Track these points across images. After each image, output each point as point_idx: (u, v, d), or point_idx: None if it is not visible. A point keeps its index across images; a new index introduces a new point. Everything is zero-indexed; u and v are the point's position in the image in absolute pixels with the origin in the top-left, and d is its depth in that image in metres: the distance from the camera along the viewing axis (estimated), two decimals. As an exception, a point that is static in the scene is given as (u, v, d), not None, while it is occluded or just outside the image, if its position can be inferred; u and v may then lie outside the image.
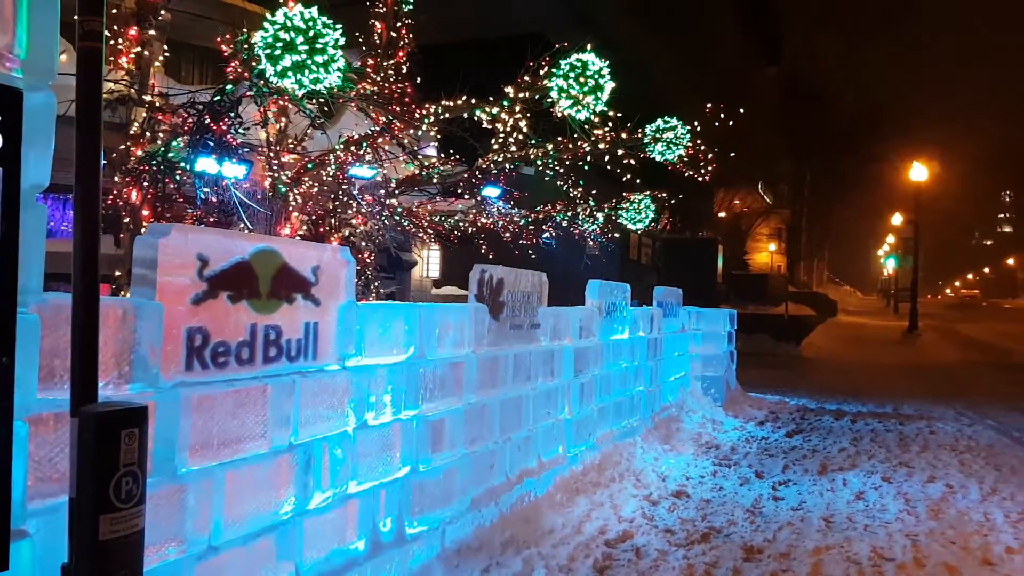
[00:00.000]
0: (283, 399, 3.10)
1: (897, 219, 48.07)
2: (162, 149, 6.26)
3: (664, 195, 10.83)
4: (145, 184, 6.35)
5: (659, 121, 9.12)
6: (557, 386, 5.82)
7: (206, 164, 6.06)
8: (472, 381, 4.58)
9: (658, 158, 9.19)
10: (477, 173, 9.60)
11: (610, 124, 8.37)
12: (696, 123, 9.55)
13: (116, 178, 6.63)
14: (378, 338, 3.73)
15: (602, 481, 5.87)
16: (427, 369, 4.13)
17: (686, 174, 9.74)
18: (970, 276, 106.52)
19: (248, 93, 6.33)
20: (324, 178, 8.21)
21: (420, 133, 8.55)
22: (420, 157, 9.61)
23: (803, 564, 4.47)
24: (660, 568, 4.35)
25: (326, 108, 7.55)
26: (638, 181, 9.53)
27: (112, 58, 6.93)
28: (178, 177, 6.69)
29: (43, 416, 2.07)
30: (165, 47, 7.78)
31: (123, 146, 6.55)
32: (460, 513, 4.35)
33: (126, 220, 6.69)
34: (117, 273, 6.80)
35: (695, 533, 5.02)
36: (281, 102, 7.34)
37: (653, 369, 8.40)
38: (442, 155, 10.16)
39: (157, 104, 6.75)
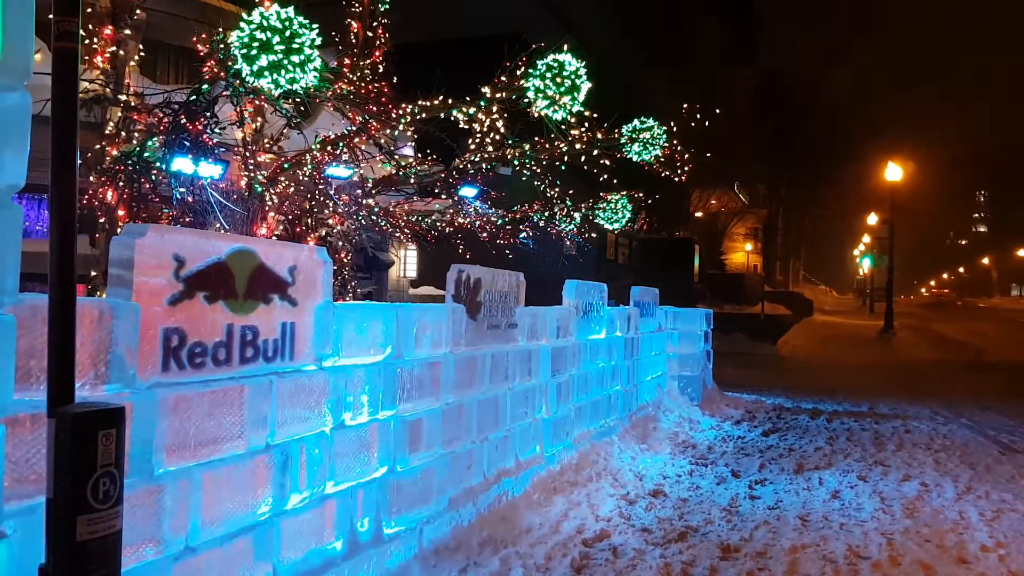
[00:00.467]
0: (260, 400, 3.11)
1: (872, 219, 48.85)
2: (137, 149, 6.21)
3: (641, 195, 10.93)
4: (120, 184, 6.30)
5: (635, 121, 9.22)
6: (535, 386, 5.86)
7: (182, 164, 6.02)
8: (450, 381, 4.60)
9: (635, 158, 9.29)
10: (454, 173, 9.64)
11: (587, 124, 8.45)
12: (672, 123, 9.67)
13: (91, 178, 6.57)
14: (355, 338, 3.74)
15: (580, 480, 5.92)
16: (404, 369, 4.14)
17: (663, 174, 9.85)
18: (945, 276, 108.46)
19: (224, 93, 6.29)
20: (300, 178, 8.20)
21: (397, 133, 8.57)
22: (397, 157, 9.62)
23: (780, 563, 4.54)
24: (637, 567, 4.41)
25: (302, 108, 7.52)
26: (615, 181, 9.63)
27: (87, 57, 6.86)
28: (154, 177, 6.64)
29: (19, 417, 2.07)
30: (140, 46, 7.71)
31: (98, 146, 6.49)
32: (438, 513, 4.38)
33: (101, 220, 6.62)
34: (93, 273, 6.73)
35: (672, 532, 5.08)
36: (257, 102, 7.32)
37: (630, 368, 8.48)
38: (419, 155, 10.17)
39: (132, 104, 6.70)
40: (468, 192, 10.33)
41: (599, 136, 8.63)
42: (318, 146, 7.62)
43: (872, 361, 21.22)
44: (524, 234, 10.01)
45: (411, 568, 3.87)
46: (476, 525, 4.58)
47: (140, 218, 6.45)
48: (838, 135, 46.53)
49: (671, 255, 31.07)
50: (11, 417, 2.02)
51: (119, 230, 5.76)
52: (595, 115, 8.37)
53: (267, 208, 7.88)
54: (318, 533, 3.42)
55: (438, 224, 10.65)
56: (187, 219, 6.82)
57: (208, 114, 6.21)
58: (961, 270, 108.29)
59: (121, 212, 6.40)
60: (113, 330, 2.45)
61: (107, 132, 6.80)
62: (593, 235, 11.09)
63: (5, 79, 1.94)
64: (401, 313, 4.16)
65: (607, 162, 8.93)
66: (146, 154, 6.35)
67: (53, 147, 1.90)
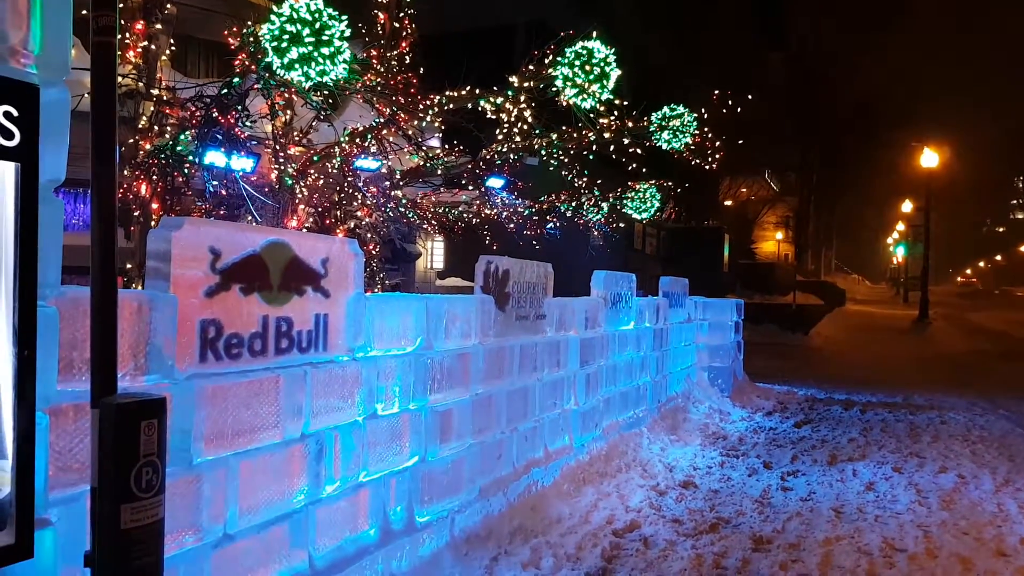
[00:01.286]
0: (295, 390, 3.14)
1: (907, 206, 47.78)
2: (170, 143, 6.30)
3: (670, 184, 10.80)
4: (154, 178, 6.40)
5: (665, 109, 9.11)
6: (563, 377, 5.85)
7: (214, 157, 6.09)
8: (479, 372, 4.61)
9: (664, 146, 9.19)
10: (481, 164, 9.63)
11: (616, 112, 8.36)
12: (703, 110, 9.53)
13: (126, 172, 6.67)
14: (387, 329, 3.76)
15: (609, 471, 5.91)
16: (435, 360, 4.16)
17: (693, 162, 9.74)
18: (981, 264, 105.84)
19: (255, 86, 6.35)
20: (329, 170, 8.25)
21: (424, 124, 8.56)
22: (424, 148, 9.64)
23: (813, 554, 4.49)
24: (669, 558, 4.38)
25: (331, 100, 7.55)
26: (643, 170, 9.53)
27: (119, 52, 6.95)
28: (186, 170, 6.73)
29: (63, 407, 2.12)
30: (171, 40, 7.80)
31: (132, 140, 6.59)
32: (468, 502, 4.40)
33: (136, 213, 6.74)
34: (128, 266, 6.86)
35: (703, 523, 5.04)
36: (287, 95, 7.37)
37: (659, 359, 8.42)
38: (445, 146, 10.16)
39: (164, 98, 6.78)
40: (495, 183, 10.31)
41: (628, 124, 8.54)
42: (347, 138, 7.65)
43: (906, 351, 20.82)
44: (551, 225, 9.97)
45: (443, 556, 3.89)
46: (506, 515, 4.59)
47: (174, 211, 6.55)
48: (871, 121, 45.49)
49: (700, 245, 30.76)
50: (55, 407, 2.06)
51: (153, 223, 5.86)
52: (624, 103, 8.28)
53: (297, 201, 7.96)
54: (352, 521, 3.45)
55: (465, 215, 10.66)
56: (220, 212, 6.91)
57: (239, 107, 6.27)
58: (998, 258, 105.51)
59: (155, 205, 6.50)
60: (152, 322, 2.49)
61: (140, 126, 6.90)
62: (621, 225, 11.00)
63: (44, 74, 1.97)
64: (431, 304, 4.18)
65: (638, 150, 8.83)
66: (179, 148, 6.44)
67: (93, 141, 1.93)
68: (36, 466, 1.67)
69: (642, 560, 4.34)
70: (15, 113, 1.67)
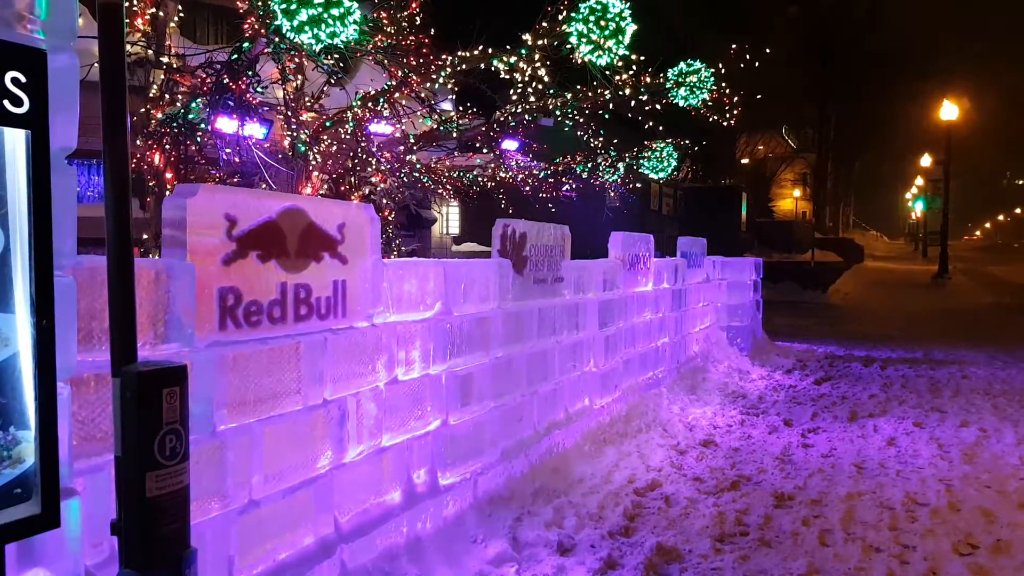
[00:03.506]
0: (315, 356, 3.14)
1: (926, 161, 46.77)
2: (182, 111, 6.24)
3: (687, 142, 10.60)
4: (167, 147, 6.36)
5: (681, 65, 8.89)
6: (582, 339, 5.83)
7: (226, 124, 6.03)
8: (498, 336, 4.60)
9: (681, 103, 8.99)
10: (495, 126, 9.49)
11: (633, 68, 8.16)
12: (720, 66, 9.29)
13: (138, 142, 6.64)
14: (405, 295, 3.74)
15: (629, 432, 5.91)
16: (454, 324, 4.14)
17: (710, 119, 9.54)
18: (1000, 218, 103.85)
19: (265, 50, 6.24)
20: (343, 136, 8.16)
21: (437, 86, 8.41)
22: (438, 112, 9.50)
23: (835, 510, 4.49)
24: (690, 515, 4.40)
25: (342, 64, 7.43)
26: (660, 128, 9.35)
27: (127, 20, 6.86)
28: (199, 139, 6.68)
29: (84, 377, 2.11)
30: (179, 7, 7.68)
31: (143, 109, 6.54)
32: (491, 464, 4.42)
33: (151, 183, 6.72)
34: (144, 237, 6.87)
35: (724, 481, 5.05)
36: (298, 59, 7.26)
37: (678, 320, 8.37)
38: (459, 109, 10.01)
39: (175, 65, 6.70)
40: (510, 145, 10.18)
41: (645, 81, 8.34)
42: (359, 103, 7.55)
43: (926, 307, 20.58)
44: (567, 186, 9.84)
45: (467, 518, 3.93)
46: (528, 476, 4.62)
47: (188, 180, 6.53)
48: (889, 74, 44.29)
49: (717, 204, 30.37)
50: (76, 378, 2.06)
51: (168, 193, 5.83)
52: (641, 58, 8.07)
53: (311, 167, 7.90)
54: (376, 485, 3.48)
55: (479, 179, 10.55)
56: (235, 181, 6.88)
57: (250, 73, 6.18)
58: (1018, 211, 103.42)
59: (169, 175, 6.48)
60: (170, 290, 2.47)
61: (151, 95, 6.83)
62: (638, 185, 10.85)
63: (51, 40, 1.92)
64: (448, 269, 4.15)
65: (657, 106, 8.64)
66: (190, 116, 6.38)
67: (104, 107, 1.88)
68: (59, 436, 1.67)
69: (664, 518, 4.35)
70: (23, 79, 1.62)
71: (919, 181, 55.39)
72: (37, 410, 1.64)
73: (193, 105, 6.53)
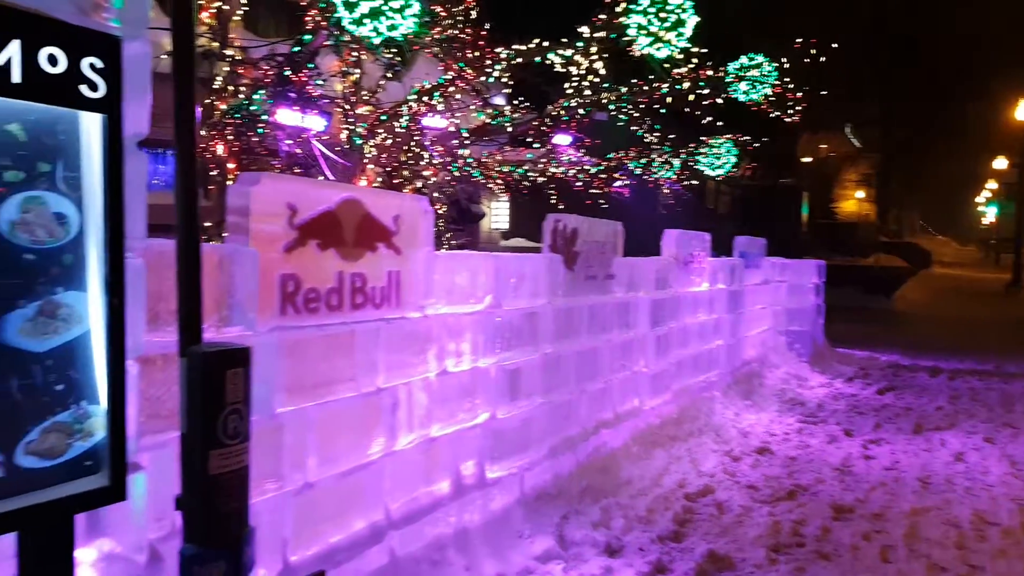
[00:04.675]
0: (369, 344, 3.18)
1: (1000, 163, 44.65)
2: (245, 103, 6.40)
3: (747, 139, 10.32)
4: (230, 137, 6.52)
5: (743, 58, 8.67)
6: (633, 338, 5.76)
7: (287, 116, 6.16)
8: (548, 332, 4.58)
9: (741, 98, 8.78)
10: (547, 120, 9.44)
11: (695, 61, 7.99)
12: (783, 60, 9.01)
13: (202, 132, 6.83)
14: (456, 287, 3.76)
15: (680, 435, 5.81)
16: (503, 318, 4.14)
17: (771, 115, 9.28)
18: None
19: (326, 43, 6.35)
20: (397, 129, 8.24)
21: (491, 80, 8.39)
22: (491, 106, 9.50)
23: (898, 525, 4.32)
24: (744, 523, 4.30)
25: (400, 57, 7.49)
26: (718, 124, 9.14)
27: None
28: (260, 130, 6.83)
29: (151, 357, 2.18)
30: (242, 0, 7.86)
31: (207, 100, 6.72)
32: (538, 460, 4.41)
33: (213, 172, 6.90)
34: (207, 224, 7.06)
35: (780, 490, 4.92)
36: (357, 52, 7.34)
37: (734, 322, 8.19)
38: (514, 103, 9.98)
39: (238, 58, 6.87)
40: (562, 140, 10.11)
41: (704, 75, 8.17)
42: (415, 96, 7.61)
43: (998, 317, 19.65)
44: (620, 183, 9.72)
45: (514, 512, 3.92)
46: (575, 474, 4.59)
47: (249, 170, 6.68)
48: (961, 71, 42.34)
49: (777, 203, 29.61)
50: (143, 356, 2.13)
51: (229, 182, 5.99)
52: (703, 50, 7.89)
53: (366, 161, 8.00)
54: (425, 474, 3.50)
55: (530, 174, 10.52)
56: (294, 172, 7.02)
57: (311, 65, 6.29)
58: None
59: (231, 165, 6.64)
60: (233, 275, 2.53)
61: (215, 87, 7.02)
62: (693, 183, 10.64)
63: (126, 28, 1.98)
64: (500, 263, 4.15)
65: (717, 100, 8.44)
66: (253, 107, 6.53)
67: (176, 95, 1.93)
68: (127, 412, 1.72)
69: (716, 525, 4.26)
70: (100, 65, 1.67)
71: (992, 184, 52.95)
72: (109, 385, 1.70)
73: (255, 97, 6.67)
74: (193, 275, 1.77)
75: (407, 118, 7.76)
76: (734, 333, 8.25)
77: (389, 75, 8.10)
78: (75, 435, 1.70)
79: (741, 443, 6.01)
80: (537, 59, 7.92)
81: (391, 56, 7.26)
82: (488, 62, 7.61)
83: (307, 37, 6.21)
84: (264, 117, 6.53)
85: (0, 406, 1.57)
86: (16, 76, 1.53)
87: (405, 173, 8.96)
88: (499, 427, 4.08)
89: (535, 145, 10.10)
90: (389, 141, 8.27)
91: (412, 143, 8.38)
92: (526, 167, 10.47)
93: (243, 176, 2.75)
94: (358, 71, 7.93)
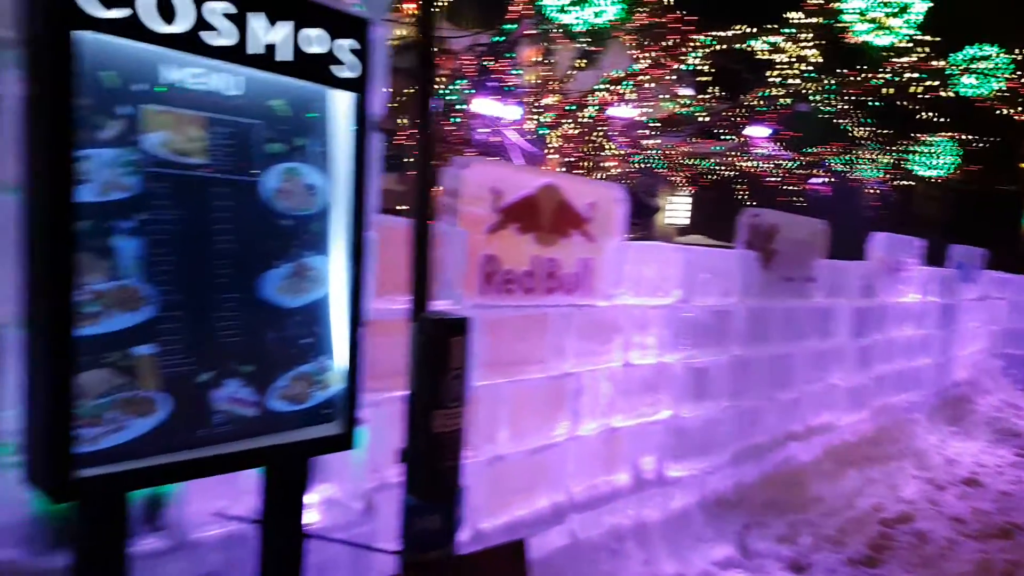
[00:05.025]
0: (559, 329, 3.21)
1: None
2: (444, 92, 6.73)
3: (971, 137, 9.20)
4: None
5: (972, 49, 7.71)
6: (831, 348, 5.34)
7: (485, 106, 6.39)
8: (737, 333, 4.37)
9: (967, 93, 7.82)
10: (741, 111, 9.00)
11: (923, 51, 7.23)
12: (1019, 51, 7.91)
13: (403, 121, 7.27)
14: (645, 279, 3.69)
15: (877, 456, 5.32)
16: (692, 315, 4.01)
17: (1000, 112, 8.20)
18: None
19: (527, 32, 6.49)
20: (582, 119, 8.26)
21: (688, 68, 8.14)
22: (680, 95, 9.24)
23: None
24: (948, 558, 3.85)
25: (597, 45, 7.49)
26: (940, 120, 8.22)
27: (399, 5, 7.50)
28: (455, 119, 7.17)
29: (376, 322, 2.34)
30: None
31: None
32: (720, 466, 4.23)
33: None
34: (404, 207, 7.53)
35: (991, 527, 4.36)
36: (551, 42, 7.44)
37: (944, 340, 7.35)
38: (704, 93, 9.63)
39: (441, 49, 7.23)
40: (757, 132, 9.62)
41: (927, 66, 7.38)
42: (604, 85, 7.59)
43: None
44: (820, 180, 9.07)
45: (693, 514, 3.80)
46: (759, 484, 4.35)
47: (445, 159, 7.02)
48: None
49: (1000, 211, 26.09)
50: (372, 322, 2.29)
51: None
52: (936, 38, 7.12)
53: (550, 150, 8.11)
54: (606, 463, 3.49)
55: (717, 167, 10.10)
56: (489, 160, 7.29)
57: (509, 55, 6.48)
58: None
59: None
60: (445, 253, 2.66)
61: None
62: (903, 183, 9.68)
63: (370, 13, 2.13)
64: (691, 257, 4.03)
65: (942, 93, 7.61)
66: (450, 97, 6.85)
67: (418, 88, 2.05)
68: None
69: (916, 555, 3.86)
70: (355, 46, 1.81)
71: None
72: (348, 342, 1.85)
73: (453, 87, 7.00)
74: (424, 251, 1.88)
75: (595, 108, 7.77)
76: (944, 351, 7.39)
77: (579, 64, 8.14)
78: (315, 385, 1.87)
79: (946, 472, 5.39)
80: (739, 46, 7.57)
81: (589, 44, 7.27)
82: (686, 49, 7.39)
83: (510, 27, 6.39)
84: (460, 106, 6.84)
85: (259, 354, 1.76)
86: (285, 55, 1.68)
87: (586, 164, 8.98)
88: (681, 426, 3.96)
89: (724, 137, 9.70)
90: (575, 131, 8.33)
91: (596, 133, 8.38)
92: (713, 160, 10.07)
93: (456, 160, 2.88)
94: (550, 60, 8.05)
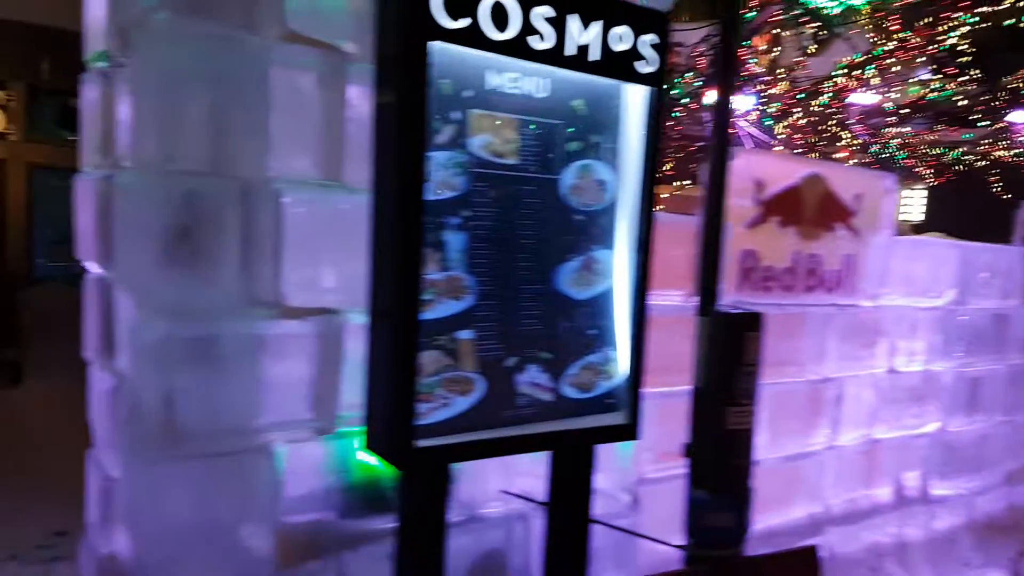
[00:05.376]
0: (819, 330, 3.04)
1: None
2: (675, 87, 6.62)
3: None
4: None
5: None
6: None
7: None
8: (1018, 339, 3.85)
9: None
10: (1002, 94, 7.87)
11: None
12: None
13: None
14: (914, 277, 3.37)
15: None
16: (966, 319, 3.59)
17: None
18: None
19: (772, 18, 6.19)
20: (814, 108, 7.68)
21: (944, 49, 7.25)
22: (923, 78, 8.27)
23: None
24: None
25: (848, 27, 6.92)
26: None
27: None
28: (675, 114, 7.02)
29: (659, 320, 2.36)
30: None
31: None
32: (991, 486, 3.78)
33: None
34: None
35: None
36: (777, 30, 7.02)
37: None
38: (966, 74, 8.52)
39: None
40: (1021, 117, 8.35)
41: None
42: (843, 70, 7.01)
43: None
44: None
45: (960, 537, 3.42)
46: (1041, 513, 3.80)
47: (667, 155, 6.92)
48: None
49: None
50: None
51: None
52: None
53: (775, 141, 7.66)
54: (866, 476, 3.25)
55: (967, 157, 8.93)
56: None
57: (746, 43, 6.22)
58: None
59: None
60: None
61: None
62: None
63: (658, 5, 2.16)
64: (967, 254, 3.62)
65: None
66: (673, 91, 6.72)
67: (717, 88, 2.04)
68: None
69: None
70: (656, 41, 1.83)
71: None
72: (631, 335, 1.89)
73: (676, 81, 6.86)
74: (715, 246, 1.86)
75: (830, 95, 7.20)
76: None
77: (810, 51, 7.59)
78: (600, 375, 1.93)
79: None
80: (1009, 22, 6.61)
81: (843, 26, 6.72)
82: (944, 28, 6.60)
83: (751, 14, 6.13)
84: (684, 101, 6.68)
85: (554, 343, 1.85)
86: (595, 54, 1.74)
87: (814, 156, 8.35)
88: (950, 441, 3.57)
89: (981, 124, 8.53)
90: (803, 121, 7.78)
91: (831, 122, 7.76)
92: (960, 149, 8.93)
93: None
94: (779, 48, 7.58)
